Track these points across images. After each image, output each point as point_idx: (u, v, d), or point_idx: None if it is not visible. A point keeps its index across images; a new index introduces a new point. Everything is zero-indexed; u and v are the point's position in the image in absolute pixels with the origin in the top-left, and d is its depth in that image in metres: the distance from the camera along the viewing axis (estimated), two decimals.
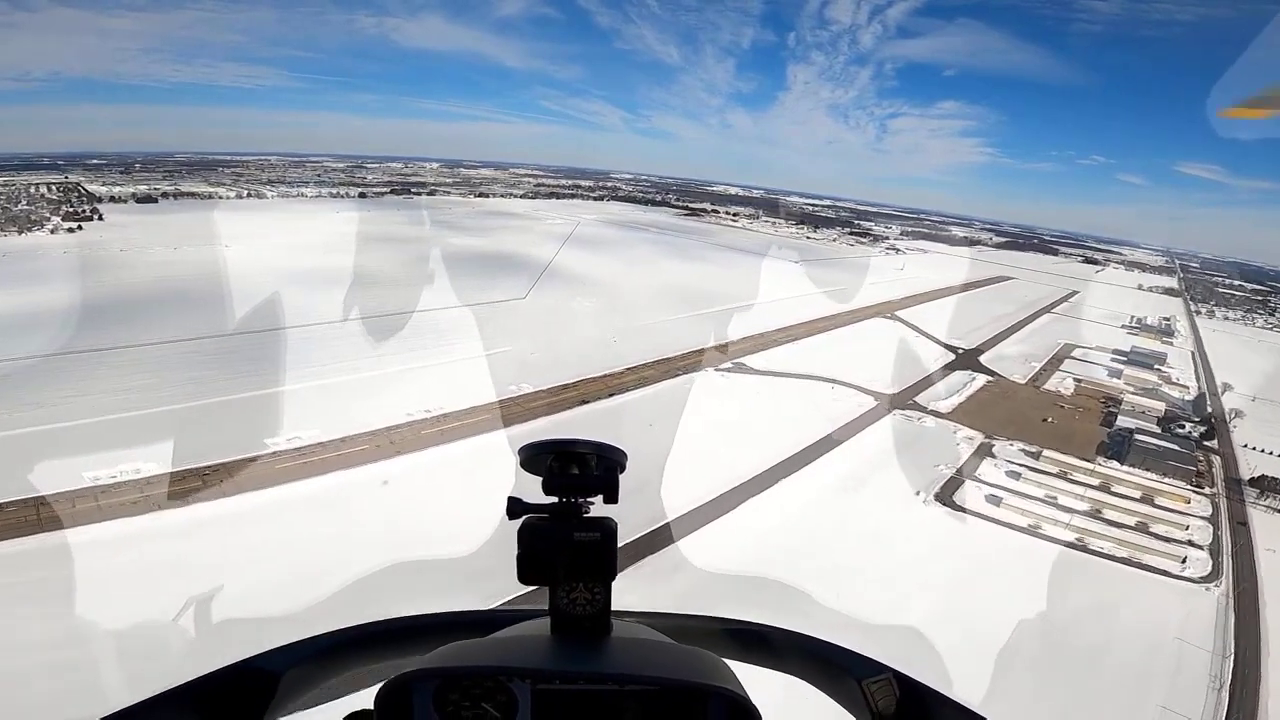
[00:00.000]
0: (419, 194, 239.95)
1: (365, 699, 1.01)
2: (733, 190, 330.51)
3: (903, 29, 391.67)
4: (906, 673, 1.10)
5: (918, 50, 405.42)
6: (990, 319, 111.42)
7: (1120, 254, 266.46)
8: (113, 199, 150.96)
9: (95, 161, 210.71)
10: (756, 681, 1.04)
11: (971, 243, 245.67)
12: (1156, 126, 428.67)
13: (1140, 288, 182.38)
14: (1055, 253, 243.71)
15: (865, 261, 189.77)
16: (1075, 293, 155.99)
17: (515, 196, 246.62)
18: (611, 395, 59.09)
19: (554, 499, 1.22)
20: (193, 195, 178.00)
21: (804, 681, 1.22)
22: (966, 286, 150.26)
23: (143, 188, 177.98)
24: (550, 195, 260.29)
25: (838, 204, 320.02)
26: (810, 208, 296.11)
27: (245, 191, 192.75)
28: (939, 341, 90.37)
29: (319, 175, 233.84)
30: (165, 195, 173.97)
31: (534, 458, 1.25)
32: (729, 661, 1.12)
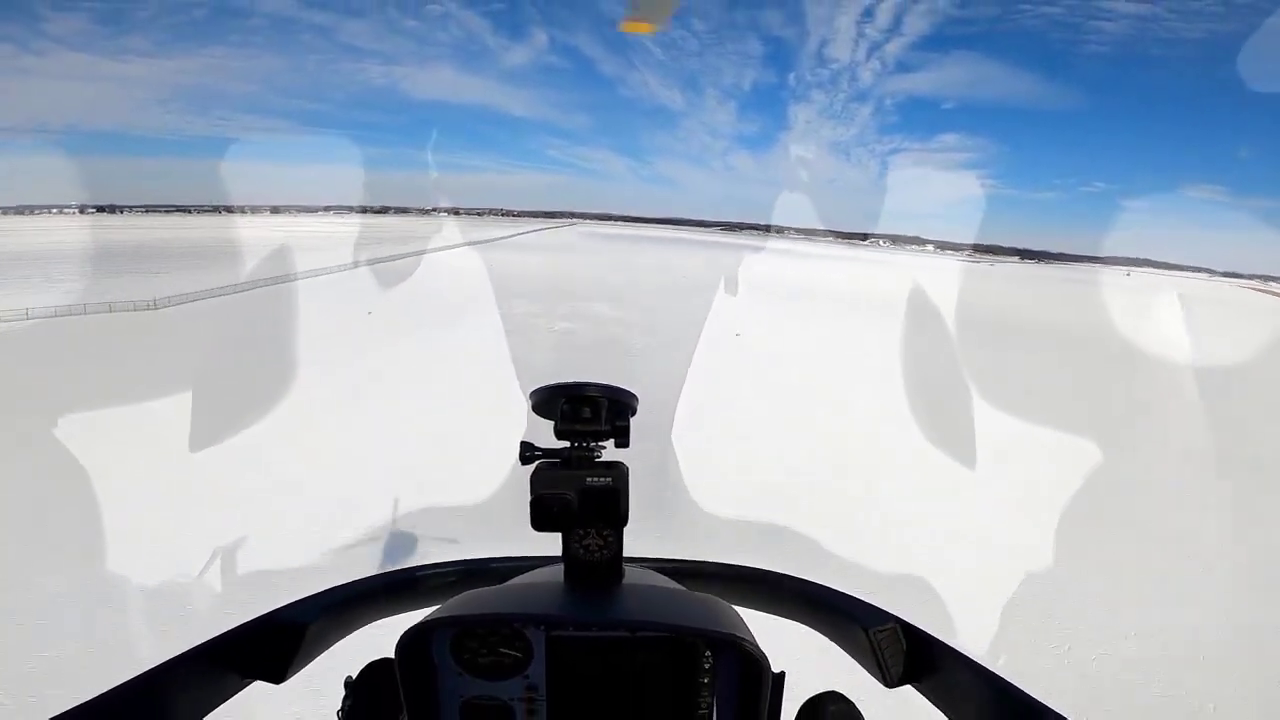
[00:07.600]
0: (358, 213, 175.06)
1: (385, 648, 1.02)
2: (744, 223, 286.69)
3: (901, 64, 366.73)
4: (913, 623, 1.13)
5: (916, 84, 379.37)
6: None
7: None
8: None
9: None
10: (766, 629, 1.07)
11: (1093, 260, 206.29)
12: (1158, 150, 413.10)
13: None
14: (1179, 269, 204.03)
15: (1072, 272, 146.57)
16: None
17: (490, 215, 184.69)
18: None
19: (566, 444, 1.18)
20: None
21: (811, 629, 1.23)
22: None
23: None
24: (540, 215, 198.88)
25: (849, 235, 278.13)
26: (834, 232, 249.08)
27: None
28: None
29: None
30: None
31: (546, 401, 1.20)
32: (739, 609, 1.12)
